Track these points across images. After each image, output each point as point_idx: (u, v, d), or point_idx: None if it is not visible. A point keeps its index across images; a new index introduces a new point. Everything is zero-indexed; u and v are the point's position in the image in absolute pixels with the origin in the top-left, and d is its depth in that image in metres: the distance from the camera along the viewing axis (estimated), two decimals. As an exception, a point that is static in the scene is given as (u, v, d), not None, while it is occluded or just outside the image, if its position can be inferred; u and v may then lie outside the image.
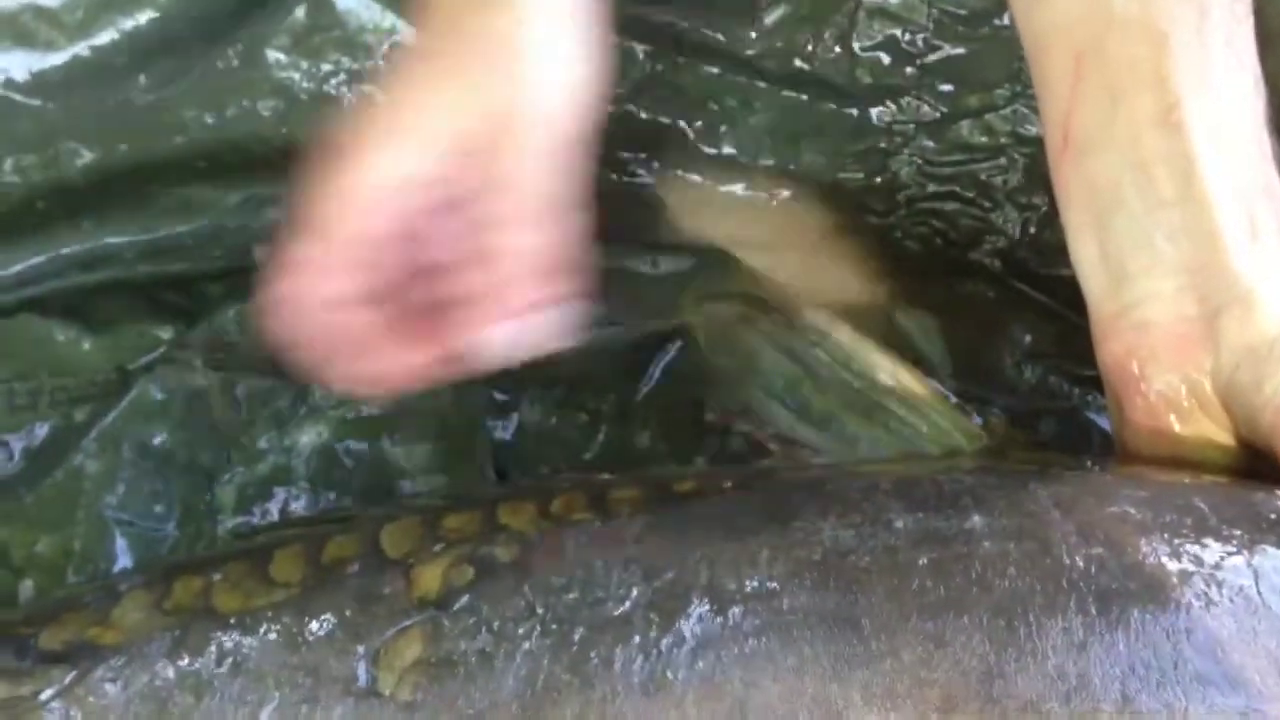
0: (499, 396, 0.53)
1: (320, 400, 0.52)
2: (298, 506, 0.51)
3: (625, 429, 0.54)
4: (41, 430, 0.51)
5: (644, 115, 0.58)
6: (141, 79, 0.54)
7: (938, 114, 0.58)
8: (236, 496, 0.51)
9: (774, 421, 0.45)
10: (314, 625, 0.36)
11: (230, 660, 0.35)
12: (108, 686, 0.35)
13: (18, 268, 0.52)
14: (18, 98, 0.54)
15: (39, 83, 0.54)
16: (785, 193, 0.58)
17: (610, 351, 0.55)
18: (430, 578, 0.37)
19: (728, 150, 0.58)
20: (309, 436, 0.51)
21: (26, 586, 0.47)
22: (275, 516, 0.50)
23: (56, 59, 0.54)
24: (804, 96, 0.58)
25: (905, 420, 0.44)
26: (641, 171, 0.58)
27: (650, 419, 0.54)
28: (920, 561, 0.35)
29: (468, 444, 0.52)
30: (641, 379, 0.55)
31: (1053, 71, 0.46)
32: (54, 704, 0.35)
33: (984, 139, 0.58)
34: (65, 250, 0.53)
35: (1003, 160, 0.58)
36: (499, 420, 0.53)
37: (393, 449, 0.52)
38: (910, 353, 0.56)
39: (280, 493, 0.51)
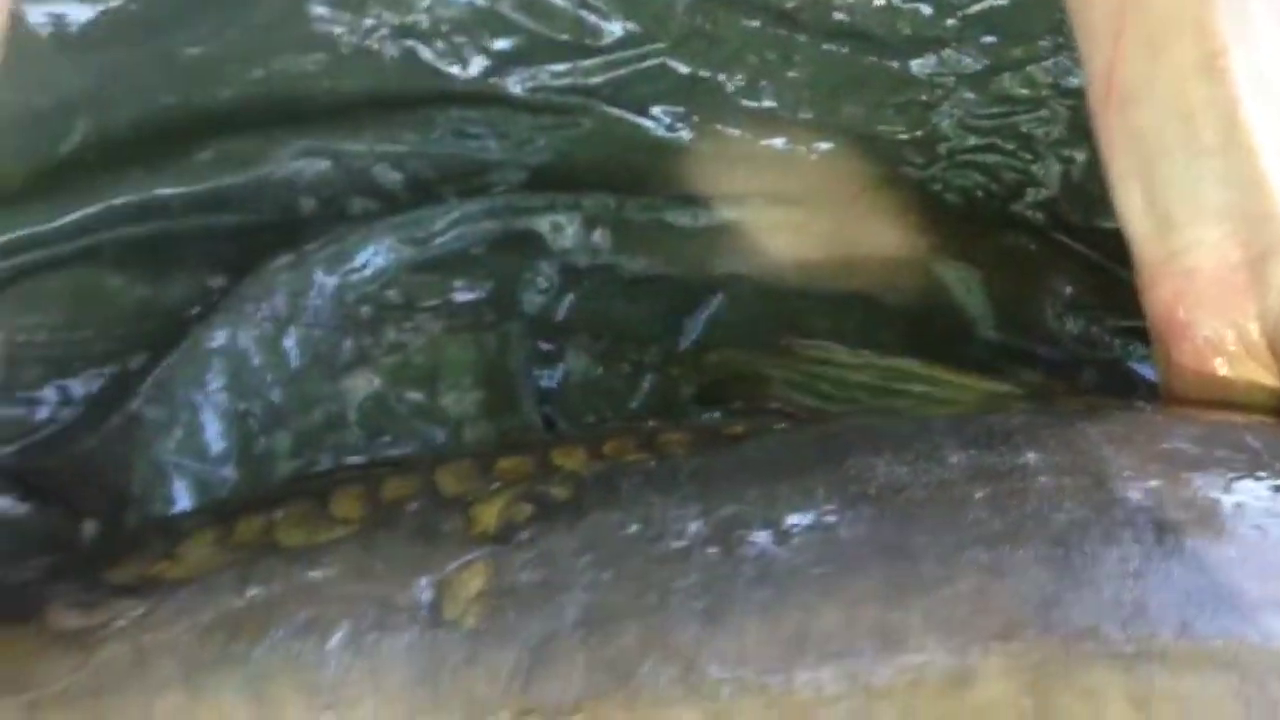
0: (545, 346, 0.54)
1: (371, 348, 0.52)
2: (351, 453, 0.51)
3: (669, 379, 0.54)
4: (99, 378, 0.51)
5: (683, 69, 0.57)
6: (187, 32, 0.55)
7: (979, 66, 0.58)
8: (292, 443, 0.51)
9: (803, 404, 0.46)
10: (378, 559, 0.36)
11: (297, 592, 0.36)
12: (177, 618, 0.36)
13: (70, 218, 0.53)
14: (65, 50, 0.54)
15: (85, 35, 0.54)
16: (825, 146, 0.58)
17: (652, 303, 0.55)
18: (489, 514, 0.37)
19: (767, 104, 0.58)
20: (360, 384, 0.52)
21: (90, 527, 0.48)
22: (330, 462, 0.51)
23: (103, 10, 0.54)
24: (844, 49, 0.58)
25: (931, 396, 0.45)
26: (680, 125, 0.58)
27: (694, 369, 0.54)
28: (976, 495, 0.36)
29: (514, 392, 0.53)
30: (684, 330, 0.55)
31: (1095, 22, 0.46)
32: (125, 634, 0.36)
33: (1026, 91, 0.58)
34: (116, 201, 0.53)
35: (1044, 112, 0.58)
36: (545, 369, 0.54)
37: (442, 397, 0.52)
38: (951, 306, 0.57)
39: (333, 439, 0.51)
